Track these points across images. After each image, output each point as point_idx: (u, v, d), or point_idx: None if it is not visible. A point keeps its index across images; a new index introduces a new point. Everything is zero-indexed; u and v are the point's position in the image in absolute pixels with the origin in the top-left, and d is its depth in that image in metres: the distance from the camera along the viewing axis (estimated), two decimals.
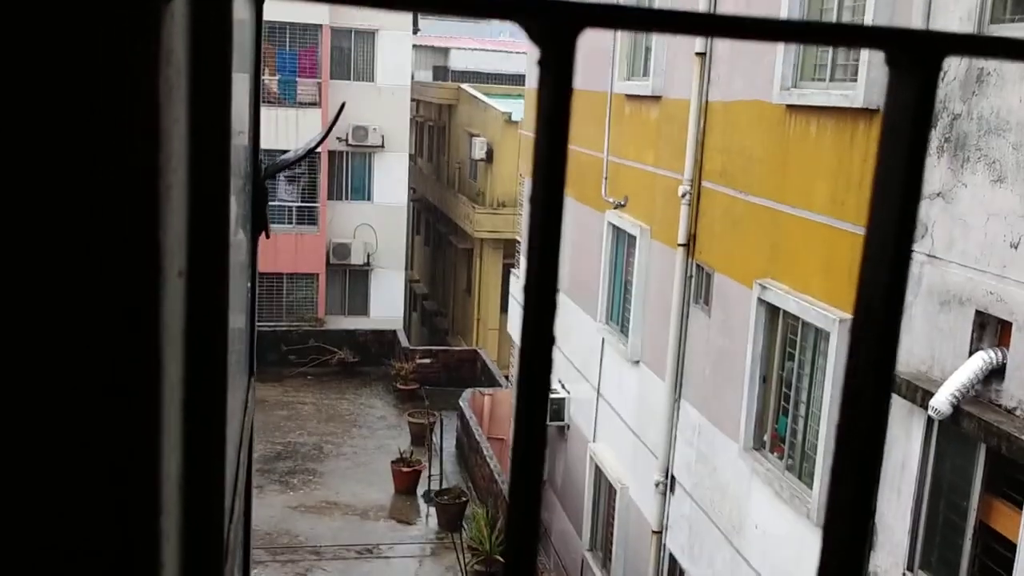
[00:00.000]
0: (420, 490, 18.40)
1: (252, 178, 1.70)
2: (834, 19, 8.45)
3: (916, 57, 0.56)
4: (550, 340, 0.56)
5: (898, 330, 0.57)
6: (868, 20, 7.67)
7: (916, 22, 7.10)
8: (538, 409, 0.55)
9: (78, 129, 0.47)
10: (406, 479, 18.36)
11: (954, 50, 0.58)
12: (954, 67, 6.77)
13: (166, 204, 0.53)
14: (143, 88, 0.47)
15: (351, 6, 0.51)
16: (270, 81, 26.29)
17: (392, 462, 18.60)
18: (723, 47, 10.39)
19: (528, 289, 0.56)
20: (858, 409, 0.56)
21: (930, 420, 6.74)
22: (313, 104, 26.45)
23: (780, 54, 8.97)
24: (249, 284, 1.77)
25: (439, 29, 47.00)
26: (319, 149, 26.17)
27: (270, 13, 26.91)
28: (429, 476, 18.27)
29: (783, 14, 8.91)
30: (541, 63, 0.52)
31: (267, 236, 1.87)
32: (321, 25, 26.38)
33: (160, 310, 0.51)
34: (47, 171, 0.48)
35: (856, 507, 0.56)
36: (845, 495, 0.57)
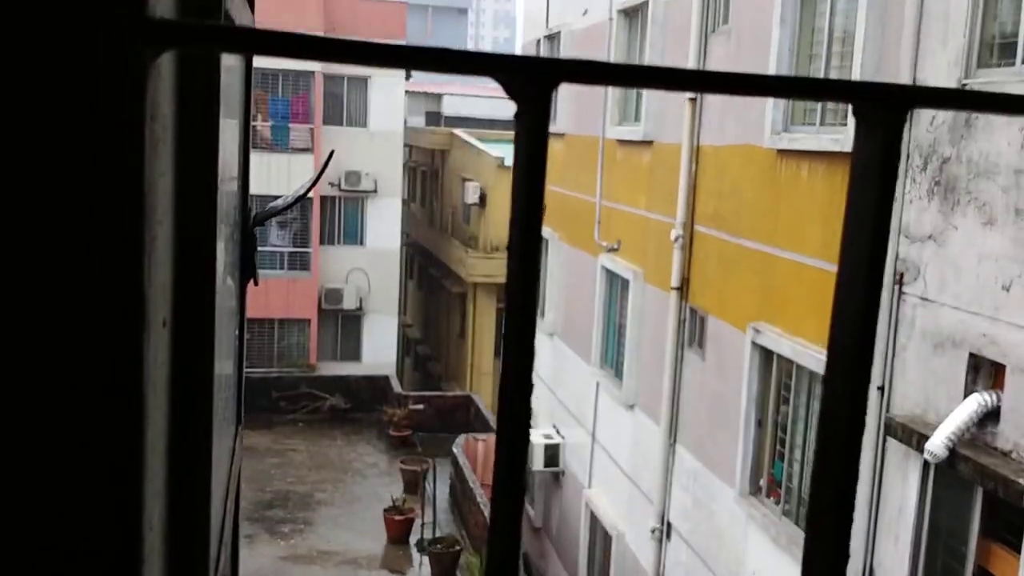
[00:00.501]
0: (413, 539, 18.19)
1: (241, 225, 1.71)
2: (823, 62, 8.56)
3: (881, 109, 0.58)
4: (528, 386, 0.57)
5: (867, 387, 0.58)
6: (856, 64, 7.77)
7: (904, 66, 7.19)
8: (518, 462, 0.55)
9: (63, 181, 0.48)
10: (399, 528, 18.17)
11: (918, 103, 0.59)
12: (942, 111, 6.85)
13: (151, 255, 0.53)
14: (128, 143, 0.48)
15: (337, 62, 0.53)
16: (263, 127, 26.44)
17: (384, 510, 18.42)
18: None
19: (508, 338, 0.57)
20: (834, 436, 0.57)
21: (926, 464, 6.71)
22: (306, 150, 26.58)
23: (770, 99, 9.07)
24: (237, 331, 1.77)
25: (432, 75, 47.46)
26: (311, 194, 26.26)
27: (262, 60, 27.24)
28: (422, 524, 18.08)
29: (772, 59, 9.03)
30: (517, 116, 0.54)
31: (255, 283, 1.88)
32: (314, 72, 26.61)
33: (143, 360, 0.52)
34: (31, 222, 0.48)
35: (837, 535, 0.56)
36: (826, 522, 0.57)
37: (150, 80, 0.50)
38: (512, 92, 0.54)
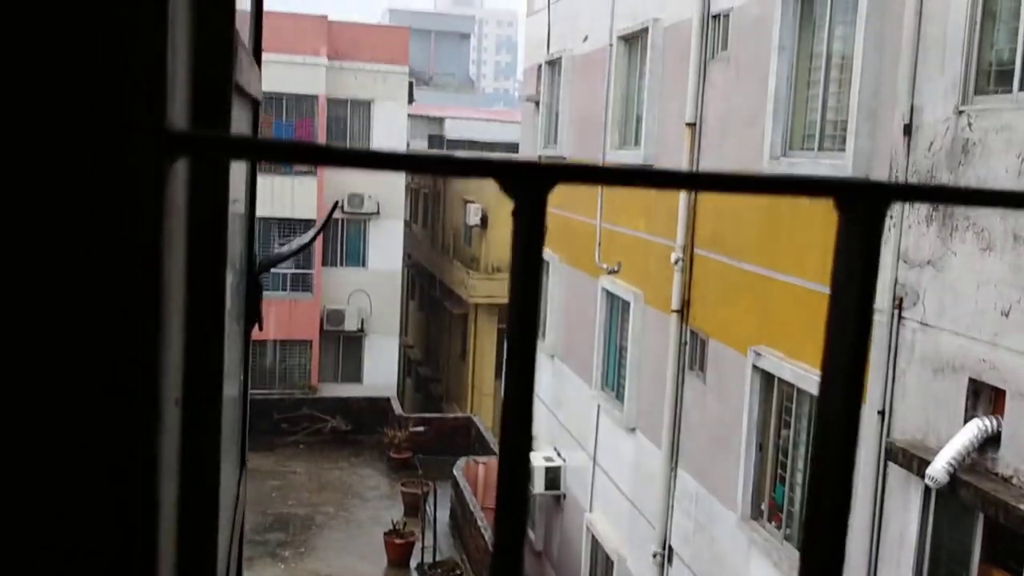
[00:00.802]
0: (413, 562, 18.12)
1: (246, 272, 1.74)
2: (821, 88, 8.61)
3: (862, 205, 0.60)
4: (529, 418, 0.59)
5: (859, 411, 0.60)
6: (854, 90, 7.82)
7: (902, 93, 7.24)
8: (520, 485, 0.58)
9: (83, 284, 0.50)
10: (399, 551, 18.10)
11: (899, 197, 0.62)
12: (939, 137, 6.89)
13: (163, 340, 0.56)
14: (146, 244, 0.50)
15: (344, 167, 0.56)
16: None
17: (385, 533, 18.36)
18: (713, 117, 10.56)
19: (504, 429, 0.60)
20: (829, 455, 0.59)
21: (927, 489, 6.71)
22: (309, 173, 26.68)
23: (770, 122, 9.13)
24: (242, 377, 1.79)
25: (435, 99, 47.70)
26: (315, 218, 26.33)
27: (267, 83, 27.33)
28: (423, 548, 18.02)
29: (771, 85, 9.08)
30: (514, 214, 0.57)
31: (260, 329, 1.91)
32: (317, 96, 26.76)
33: (158, 438, 0.54)
34: (54, 314, 0.51)
35: (832, 554, 0.58)
36: (820, 539, 0.59)
37: (168, 181, 0.53)
38: (510, 192, 0.57)
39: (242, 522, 1.80)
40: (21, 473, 0.53)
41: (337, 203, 3.45)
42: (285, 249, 2.76)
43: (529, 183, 0.56)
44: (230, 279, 1.43)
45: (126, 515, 0.51)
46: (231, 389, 1.43)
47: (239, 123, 1.34)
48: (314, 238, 2.74)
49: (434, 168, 0.58)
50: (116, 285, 0.49)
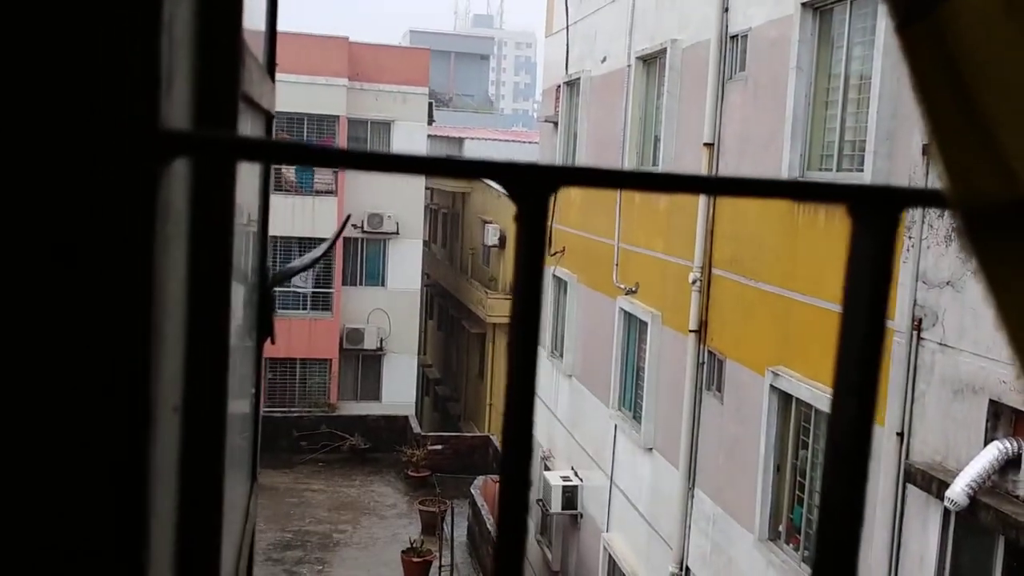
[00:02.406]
0: None
1: (259, 285, 1.74)
2: (839, 108, 8.58)
3: (875, 210, 0.59)
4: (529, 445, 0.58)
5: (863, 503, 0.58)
6: (873, 110, 7.80)
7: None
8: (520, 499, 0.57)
9: (73, 288, 0.50)
10: (417, 569, 18.04)
11: (911, 202, 0.61)
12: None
13: (158, 347, 0.55)
14: (138, 247, 0.50)
15: (341, 168, 0.55)
16: (287, 171, 26.71)
17: (402, 552, 18.31)
18: (731, 137, 10.54)
19: (505, 433, 0.59)
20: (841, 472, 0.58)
21: (947, 512, 6.63)
22: (329, 192, 26.82)
23: (787, 142, 9.11)
24: (254, 390, 1.79)
25: (454, 120, 47.92)
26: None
27: (288, 104, 27.36)
28: (440, 567, 17.96)
29: (789, 106, 9.06)
30: (517, 218, 0.56)
31: (272, 342, 1.90)
32: (338, 116, 26.92)
33: (148, 446, 0.53)
34: (43, 320, 0.50)
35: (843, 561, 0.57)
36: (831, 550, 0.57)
37: (163, 185, 0.53)
38: (514, 195, 0.56)
39: (252, 537, 1.79)
40: (7, 472, 0.52)
41: (349, 216, 3.47)
42: (298, 263, 2.76)
43: (532, 185, 0.55)
44: (241, 291, 1.43)
45: (115, 515, 0.51)
46: (241, 402, 1.43)
47: (251, 133, 1.34)
48: (326, 251, 2.74)
49: (436, 169, 0.57)
50: (106, 285, 0.49)
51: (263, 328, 1.77)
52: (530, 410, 0.58)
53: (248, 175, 1.48)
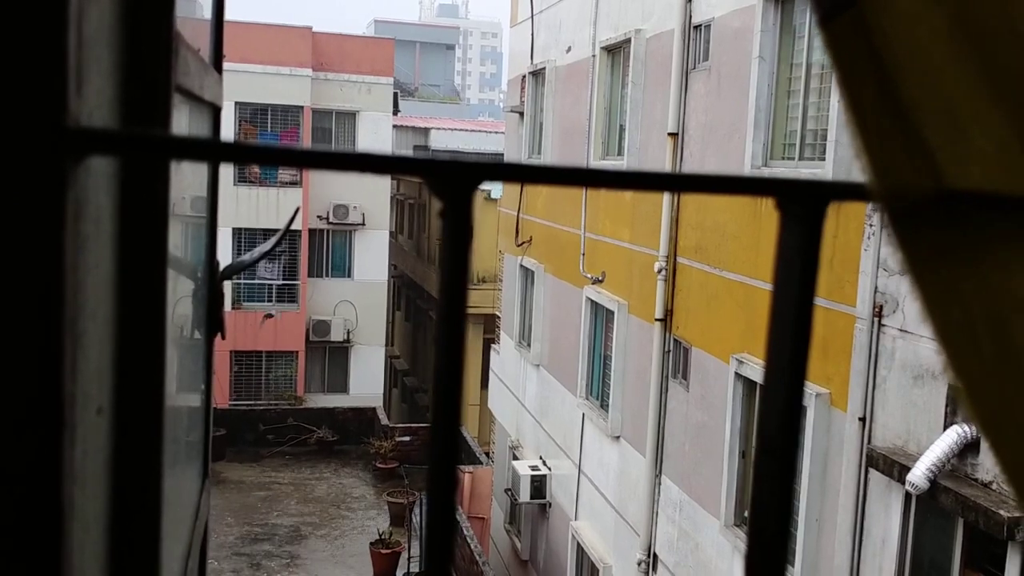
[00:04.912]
0: (400, 572, 18.05)
1: (208, 280, 1.72)
2: (801, 98, 8.64)
3: (802, 204, 0.59)
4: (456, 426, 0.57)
5: (795, 465, 0.58)
6: (834, 98, 7.86)
7: None
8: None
9: None
10: (385, 561, 18.03)
11: (837, 196, 0.61)
12: None
13: (75, 351, 0.54)
14: (45, 248, 0.48)
15: (265, 164, 0.54)
16: None
17: (371, 544, 18.28)
18: (695, 127, 10.59)
19: (434, 423, 0.58)
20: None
21: (908, 495, 6.72)
22: (294, 183, 26.63)
23: (751, 132, 9.16)
24: (204, 386, 1.77)
25: (420, 110, 47.72)
26: (299, 227, 26.29)
27: (252, 95, 27.06)
28: (409, 558, 17.96)
29: (751, 95, 9.11)
30: (441, 214, 0.56)
31: (223, 337, 1.88)
32: (303, 106, 26.73)
33: (62, 460, 0.52)
34: None
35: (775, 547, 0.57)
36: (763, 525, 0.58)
37: (75, 182, 0.51)
38: (437, 192, 0.56)
39: (204, 534, 1.77)
40: None
41: (297, 209, 3.44)
42: (247, 257, 2.74)
43: (454, 181, 0.55)
44: (187, 285, 1.41)
45: (29, 522, 0.49)
46: (188, 397, 1.41)
47: (193, 127, 1.32)
48: (276, 244, 2.72)
49: (360, 166, 0.56)
50: (8, 282, 0.47)
51: (213, 324, 1.75)
52: (457, 402, 0.58)
53: (195, 167, 1.46)
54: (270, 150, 0.51)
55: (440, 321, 0.55)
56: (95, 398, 0.62)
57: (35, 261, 0.47)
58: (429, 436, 0.58)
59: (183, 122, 1.17)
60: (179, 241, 1.20)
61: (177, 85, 0.84)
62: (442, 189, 0.54)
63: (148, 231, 0.73)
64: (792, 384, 0.57)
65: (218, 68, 1.67)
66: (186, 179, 1.31)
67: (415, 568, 17.74)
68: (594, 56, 13.38)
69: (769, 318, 0.60)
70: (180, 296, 1.23)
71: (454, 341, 0.55)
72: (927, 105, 0.52)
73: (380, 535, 18.34)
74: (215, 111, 1.65)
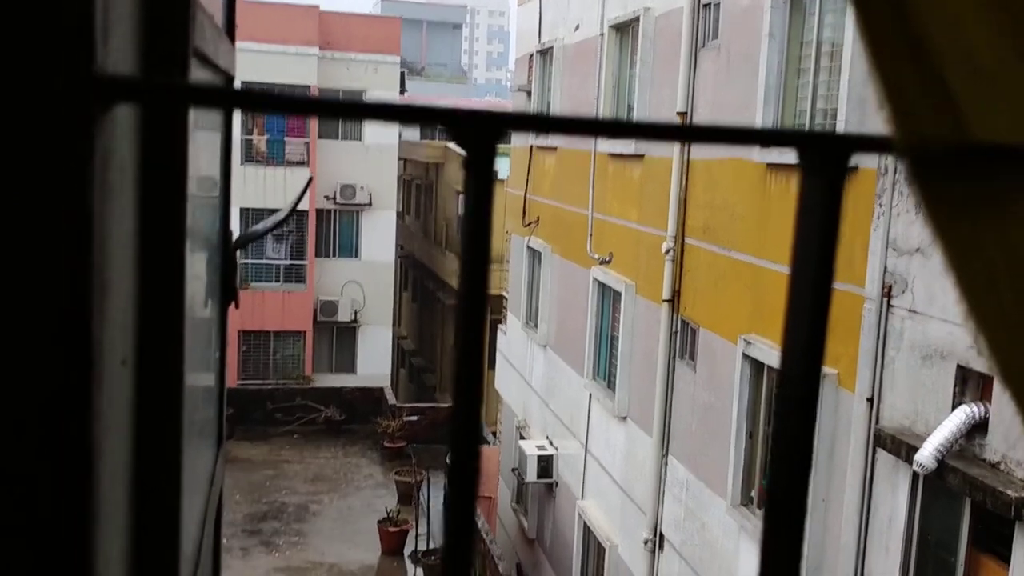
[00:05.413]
0: (407, 550, 18.17)
1: (222, 248, 1.72)
2: (811, 76, 8.60)
3: (824, 157, 0.59)
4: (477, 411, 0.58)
5: (812, 447, 0.59)
6: (844, 77, 7.82)
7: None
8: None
9: (6, 224, 0.49)
10: (393, 539, 18.14)
11: (859, 148, 0.61)
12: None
13: (102, 299, 0.55)
14: (75, 197, 0.49)
15: (283, 113, 0.54)
16: (259, 141, 26.49)
17: (379, 522, 18.40)
18: (704, 105, 10.54)
19: (457, 380, 0.59)
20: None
21: (915, 475, 6.73)
22: (301, 163, 26.62)
23: (760, 110, 9.12)
24: (218, 353, 1.78)
25: (426, 89, 47.57)
26: (307, 207, 26.30)
27: (258, 74, 27.08)
28: (416, 536, 18.06)
29: (761, 73, 9.07)
30: (465, 165, 0.56)
31: (236, 306, 1.89)
32: (309, 86, 26.67)
33: (91, 400, 0.52)
34: None
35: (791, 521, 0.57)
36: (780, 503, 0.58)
37: (102, 131, 0.52)
38: (461, 142, 0.56)
39: (219, 501, 1.79)
40: None
41: (311, 179, 3.45)
42: (260, 226, 2.75)
43: (478, 130, 0.55)
44: (203, 253, 1.42)
45: (58, 460, 0.50)
46: (202, 363, 1.42)
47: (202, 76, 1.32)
48: (289, 213, 2.73)
49: (378, 115, 0.56)
50: (40, 226, 0.48)
51: (227, 292, 1.76)
52: (479, 360, 0.58)
53: (208, 138, 1.46)
54: (289, 99, 0.51)
55: (463, 271, 0.56)
56: (119, 349, 0.62)
57: (66, 206, 0.48)
58: (451, 387, 0.58)
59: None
60: (195, 209, 1.21)
61: (194, 48, 0.85)
62: (466, 139, 0.54)
63: (167, 182, 0.73)
64: (811, 353, 0.57)
65: (231, 38, 1.67)
66: (200, 153, 1.31)
67: (422, 546, 17.84)
68: (602, 34, 13.31)
69: (789, 281, 0.60)
70: (196, 260, 1.23)
71: (477, 294, 0.56)
72: (953, 54, 0.52)
73: (388, 513, 18.45)
74: (228, 80, 1.65)
